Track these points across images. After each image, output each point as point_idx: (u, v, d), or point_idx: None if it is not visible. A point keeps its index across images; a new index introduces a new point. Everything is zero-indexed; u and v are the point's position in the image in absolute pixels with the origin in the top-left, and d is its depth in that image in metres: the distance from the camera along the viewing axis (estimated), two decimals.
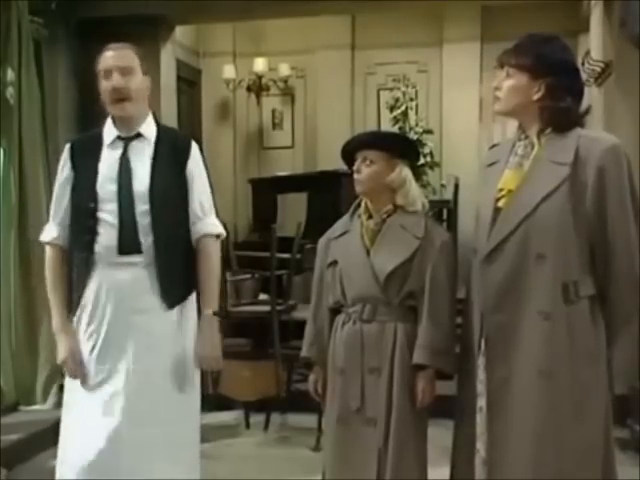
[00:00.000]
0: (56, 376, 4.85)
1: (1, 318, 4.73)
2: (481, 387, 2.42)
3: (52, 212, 2.79)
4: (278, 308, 4.89)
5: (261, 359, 4.95)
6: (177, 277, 2.71)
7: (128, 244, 2.63)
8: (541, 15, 7.30)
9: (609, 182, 2.28)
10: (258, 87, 8.62)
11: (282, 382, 4.78)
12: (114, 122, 2.73)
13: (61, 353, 2.73)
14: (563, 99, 2.35)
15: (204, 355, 2.74)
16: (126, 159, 2.68)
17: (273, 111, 8.90)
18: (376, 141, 2.80)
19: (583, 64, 5.72)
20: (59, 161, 2.78)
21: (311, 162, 8.49)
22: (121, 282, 2.63)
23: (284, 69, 8.46)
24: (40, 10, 5.13)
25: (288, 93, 8.80)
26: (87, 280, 2.65)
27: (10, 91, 4.79)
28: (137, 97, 2.68)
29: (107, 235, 2.62)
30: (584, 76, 5.88)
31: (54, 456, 4.14)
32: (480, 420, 2.42)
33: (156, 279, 2.66)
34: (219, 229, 2.83)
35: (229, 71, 8.54)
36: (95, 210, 2.63)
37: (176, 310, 2.71)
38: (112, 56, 2.67)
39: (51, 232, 2.77)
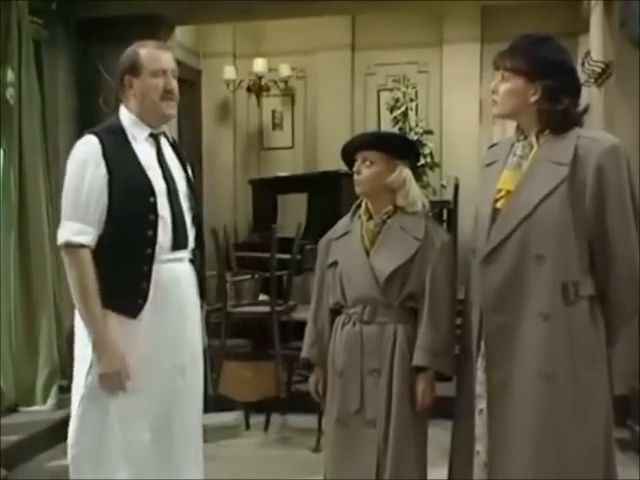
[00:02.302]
0: (56, 377, 4.86)
1: (1, 318, 4.73)
2: (481, 389, 2.41)
3: (80, 209, 2.52)
4: (278, 309, 4.89)
5: (261, 360, 4.95)
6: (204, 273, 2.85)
7: (180, 240, 2.66)
8: (541, 15, 7.29)
9: (608, 183, 2.27)
10: (258, 88, 8.62)
11: (282, 383, 4.78)
12: (141, 119, 2.66)
13: (113, 365, 2.52)
14: (560, 101, 2.34)
15: None
16: (162, 154, 2.69)
17: (273, 112, 8.89)
18: (376, 142, 2.80)
19: (583, 64, 5.72)
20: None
21: (311, 163, 8.48)
22: (176, 278, 2.66)
23: (284, 70, 8.45)
24: (40, 10, 5.12)
25: (288, 94, 8.79)
26: (149, 277, 2.58)
27: (10, 92, 4.78)
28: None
29: (163, 230, 2.61)
30: (584, 77, 5.88)
31: (54, 457, 4.18)
32: (480, 422, 2.41)
33: (198, 275, 2.76)
34: None
35: (229, 72, 8.53)
36: (155, 204, 2.58)
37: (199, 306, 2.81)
38: (167, 58, 2.69)
39: (83, 232, 2.52)
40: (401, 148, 2.82)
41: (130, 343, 2.56)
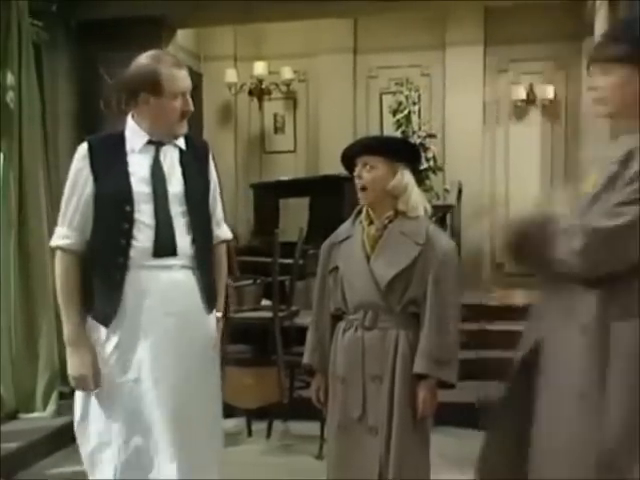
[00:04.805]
0: (56, 383, 4.83)
1: (1, 323, 4.71)
2: None
3: (68, 216, 2.62)
4: (280, 314, 4.85)
5: (263, 366, 4.92)
6: (213, 280, 2.75)
7: (164, 246, 2.59)
8: (545, 17, 7.28)
9: None
10: (260, 91, 8.60)
11: (284, 389, 4.75)
12: (148, 132, 2.64)
13: (78, 367, 2.59)
14: None
15: None
16: (158, 161, 2.64)
17: (275, 115, 8.88)
18: (377, 146, 2.76)
19: (588, 67, 5.66)
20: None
21: (313, 166, 8.47)
22: (157, 285, 2.59)
23: (286, 73, 8.44)
24: (40, 12, 5.11)
25: (290, 97, 8.78)
26: (121, 286, 2.57)
27: (10, 95, 4.77)
28: None
29: (143, 237, 2.58)
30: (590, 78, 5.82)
31: (54, 464, 4.16)
32: None
33: (200, 282, 2.66)
34: (230, 235, 2.93)
35: (231, 75, 8.52)
36: (132, 213, 2.57)
37: (209, 314, 2.72)
38: (184, 77, 2.64)
39: (66, 237, 2.61)
40: (403, 152, 2.78)
41: (105, 350, 2.60)
